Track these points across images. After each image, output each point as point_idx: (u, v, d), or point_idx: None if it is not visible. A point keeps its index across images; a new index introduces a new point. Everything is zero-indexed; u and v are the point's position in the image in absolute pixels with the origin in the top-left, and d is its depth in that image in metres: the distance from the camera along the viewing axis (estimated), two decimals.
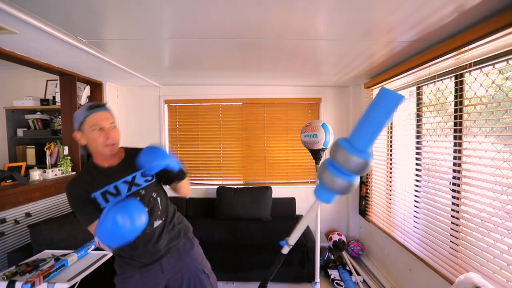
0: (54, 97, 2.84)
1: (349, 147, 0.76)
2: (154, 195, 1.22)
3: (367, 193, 2.93)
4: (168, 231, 1.24)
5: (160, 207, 1.23)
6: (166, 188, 1.32)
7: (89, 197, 1.11)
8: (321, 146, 1.80)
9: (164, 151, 1.11)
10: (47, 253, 1.69)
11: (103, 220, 0.95)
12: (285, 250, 1.15)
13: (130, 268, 1.21)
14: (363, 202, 3.03)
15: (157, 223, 1.20)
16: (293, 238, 1.08)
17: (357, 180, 0.83)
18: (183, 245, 1.29)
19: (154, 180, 1.23)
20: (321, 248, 2.65)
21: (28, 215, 2.09)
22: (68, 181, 1.13)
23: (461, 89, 1.67)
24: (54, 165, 2.64)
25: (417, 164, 2.17)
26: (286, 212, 3.18)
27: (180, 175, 1.20)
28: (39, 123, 2.98)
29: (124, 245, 1.02)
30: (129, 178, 1.16)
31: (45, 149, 2.54)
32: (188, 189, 1.33)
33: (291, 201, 3.22)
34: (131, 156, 1.19)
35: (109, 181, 1.14)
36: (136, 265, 1.20)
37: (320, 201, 0.91)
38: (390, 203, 2.50)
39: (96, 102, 1.18)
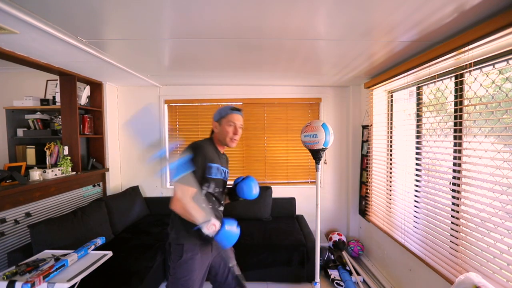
0: (54, 97, 2.85)
1: None
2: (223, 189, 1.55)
3: (367, 193, 2.93)
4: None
5: (223, 200, 1.54)
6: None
7: (204, 163, 1.35)
8: (321, 146, 1.80)
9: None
10: (47, 253, 1.68)
11: (229, 230, 1.27)
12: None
13: (196, 248, 1.39)
14: (363, 202, 3.03)
15: (221, 208, 1.52)
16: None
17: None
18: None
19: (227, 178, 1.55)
20: (321, 248, 2.65)
21: (28, 215, 2.09)
22: (199, 142, 1.40)
23: (461, 89, 1.67)
24: (54, 165, 2.64)
25: (417, 164, 2.17)
26: (286, 212, 3.18)
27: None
28: (39, 123, 2.98)
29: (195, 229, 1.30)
30: (226, 169, 1.52)
31: (45, 149, 2.54)
32: None
33: (291, 201, 3.22)
34: (225, 157, 1.60)
35: (220, 162, 1.46)
36: (196, 243, 1.38)
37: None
38: (390, 203, 2.50)
39: (236, 106, 1.52)
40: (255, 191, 1.56)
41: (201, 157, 1.34)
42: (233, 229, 1.28)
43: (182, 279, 1.34)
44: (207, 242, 1.41)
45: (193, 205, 1.24)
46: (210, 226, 1.22)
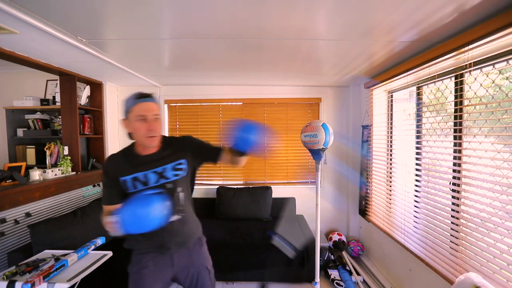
0: (54, 97, 2.84)
1: None
2: (179, 190, 1.23)
3: (367, 193, 2.93)
4: (182, 228, 1.25)
5: (181, 203, 1.24)
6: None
7: (117, 179, 1.16)
8: (321, 146, 1.80)
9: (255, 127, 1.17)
10: (47, 253, 1.68)
11: (128, 207, 0.98)
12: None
13: (144, 256, 1.24)
14: (363, 202, 3.03)
15: (173, 218, 1.20)
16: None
17: None
18: (193, 244, 1.33)
19: (184, 174, 1.24)
20: (321, 248, 2.65)
21: (28, 215, 2.09)
22: (109, 156, 1.23)
23: (461, 89, 1.67)
24: (54, 165, 2.64)
25: (417, 164, 2.17)
26: (286, 212, 3.18)
27: (249, 152, 1.20)
28: (39, 123, 2.98)
29: (140, 233, 1.09)
30: (159, 169, 1.19)
31: (45, 149, 2.54)
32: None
33: (291, 201, 3.22)
34: (168, 146, 1.24)
35: (142, 168, 1.17)
36: (148, 253, 1.23)
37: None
38: (390, 203, 2.50)
39: (144, 91, 1.17)
40: (254, 137, 1.15)
41: (106, 174, 1.17)
42: (134, 208, 0.98)
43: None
44: (161, 255, 1.23)
45: (106, 220, 1.05)
46: (108, 226, 1.02)
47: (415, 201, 2.13)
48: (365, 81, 2.91)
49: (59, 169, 2.44)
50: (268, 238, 2.55)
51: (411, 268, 2.12)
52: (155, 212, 0.99)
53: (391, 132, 2.53)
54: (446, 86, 1.87)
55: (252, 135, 1.15)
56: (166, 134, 3.35)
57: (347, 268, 2.61)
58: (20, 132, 2.91)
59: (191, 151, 1.28)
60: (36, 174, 2.24)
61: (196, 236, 1.35)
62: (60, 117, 2.74)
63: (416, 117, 2.23)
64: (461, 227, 1.62)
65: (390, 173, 2.52)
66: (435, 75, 1.84)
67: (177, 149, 1.26)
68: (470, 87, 1.59)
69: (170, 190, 1.20)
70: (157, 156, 1.21)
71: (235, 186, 3.21)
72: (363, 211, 3.01)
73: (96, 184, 2.94)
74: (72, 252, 1.62)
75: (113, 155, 1.23)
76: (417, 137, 2.16)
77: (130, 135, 1.20)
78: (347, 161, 3.34)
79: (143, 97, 1.13)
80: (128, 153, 1.22)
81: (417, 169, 2.14)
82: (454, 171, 1.72)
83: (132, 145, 1.24)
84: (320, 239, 2.13)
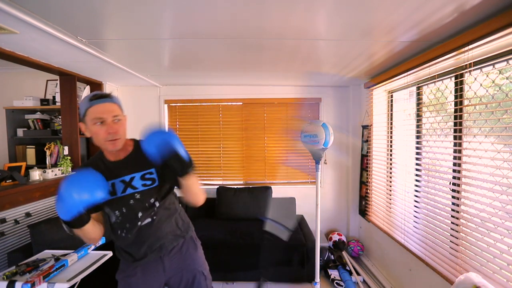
0: (54, 97, 2.84)
1: None
2: (152, 200, 1.14)
3: (367, 193, 2.93)
4: (163, 230, 1.17)
5: (156, 210, 1.15)
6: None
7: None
8: (321, 146, 1.80)
9: (168, 133, 0.99)
10: (47, 253, 1.68)
11: (61, 188, 0.91)
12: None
13: (130, 265, 1.18)
14: (363, 202, 3.03)
15: (147, 220, 1.13)
16: None
17: None
18: (186, 246, 1.26)
19: (155, 185, 1.13)
20: (321, 248, 2.65)
21: (28, 215, 2.09)
22: (81, 164, 1.12)
23: (461, 89, 1.67)
24: (54, 165, 2.64)
25: (417, 164, 2.17)
26: (286, 212, 3.18)
27: (187, 166, 1.01)
28: (39, 123, 2.98)
29: (118, 237, 1.12)
30: (127, 178, 1.10)
31: (45, 149, 2.54)
32: (199, 191, 1.14)
33: (291, 201, 3.22)
34: (139, 151, 1.09)
35: (110, 176, 1.09)
36: (131, 260, 1.18)
37: None
38: (390, 203, 2.50)
39: (100, 92, 1.07)
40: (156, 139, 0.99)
41: None
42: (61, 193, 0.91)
43: None
44: (149, 261, 1.17)
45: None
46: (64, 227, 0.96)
47: (415, 201, 2.13)
48: (365, 81, 2.91)
49: (59, 169, 2.44)
50: (268, 239, 2.55)
51: (411, 268, 2.12)
52: (82, 190, 0.91)
53: (391, 132, 2.53)
54: (446, 86, 1.87)
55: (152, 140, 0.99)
56: None
57: (347, 268, 2.61)
58: (20, 132, 2.91)
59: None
60: (36, 174, 2.24)
61: (184, 237, 1.25)
62: (60, 117, 2.74)
63: (416, 117, 2.23)
64: (461, 227, 1.62)
65: (390, 173, 2.52)
66: (435, 75, 1.84)
67: (140, 158, 1.10)
68: (470, 87, 1.59)
69: (139, 200, 1.11)
70: (126, 163, 1.12)
71: (235, 186, 3.21)
72: (363, 211, 3.01)
73: None
74: (72, 252, 1.62)
75: (81, 165, 1.17)
76: (417, 137, 2.16)
77: (91, 140, 1.10)
78: (347, 161, 3.34)
79: (99, 98, 1.02)
80: (96, 161, 1.13)
81: (417, 169, 2.14)
82: (454, 171, 1.72)
83: (101, 152, 1.14)
84: (320, 239, 2.13)
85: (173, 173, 1.02)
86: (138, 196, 1.11)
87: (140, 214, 1.12)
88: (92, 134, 1.04)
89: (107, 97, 1.04)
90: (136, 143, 1.19)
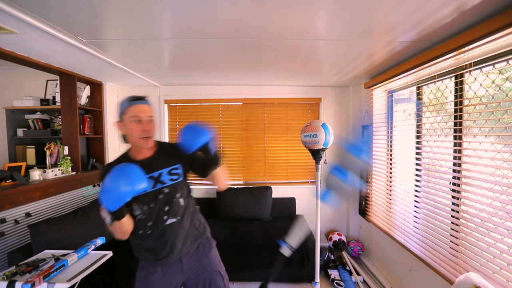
0: (54, 97, 2.84)
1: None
2: (178, 195, 1.22)
3: (367, 193, 2.93)
4: (185, 230, 1.24)
5: (180, 206, 1.23)
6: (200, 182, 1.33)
7: None
8: (321, 146, 1.80)
9: (204, 128, 1.16)
10: (47, 253, 1.68)
11: (108, 180, 0.97)
12: (286, 252, 1.19)
13: (152, 264, 1.23)
14: (363, 202, 3.03)
15: (171, 220, 1.20)
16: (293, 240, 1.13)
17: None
18: (202, 246, 1.32)
19: (180, 179, 1.24)
20: (321, 248, 2.65)
21: (28, 215, 2.09)
22: (106, 165, 1.23)
23: (461, 89, 1.67)
24: (54, 165, 2.64)
25: (417, 164, 2.17)
26: (286, 212, 3.18)
27: (215, 159, 1.21)
28: (39, 123, 2.98)
29: (139, 236, 1.17)
30: (155, 174, 1.18)
31: (45, 149, 2.54)
32: (225, 179, 1.30)
33: (291, 201, 3.22)
34: (163, 151, 1.25)
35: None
36: (152, 259, 1.22)
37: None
38: (390, 203, 2.50)
39: (138, 95, 1.19)
40: (194, 139, 1.14)
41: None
42: (108, 183, 0.96)
43: None
44: (169, 262, 1.21)
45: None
46: (103, 214, 1.01)
47: (415, 201, 2.13)
48: (365, 81, 2.91)
49: (59, 169, 2.44)
50: (268, 238, 2.55)
51: (411, 268, 2.12)
52: (127, 182, 0.96)
53: (391, 132, 2.53)
54: (446, 86, 1.87)
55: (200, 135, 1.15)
56: (166, 134, 3.36)
57: (347, 268, 2.61)
58: (20, 132, 2.91)
59: (185, 158, 1.25)
60: (36, 174, 2.24)
61: (201, 237, 1.33)
62: (60, 117, 2.74)
63: (416, 117, 2.23)
64: (461, 227, 1.62)
65: (390, 173, 2.52)
66: (435, 75, 1.84)
67: (171, 154, 1.25)
68: (470, 87, 1.59)
69: (168, 194, 1.19)
70: (152, 161, 1.21)
71: (235, 186, 3.21)
72: (363, 211, 3.01)
73: (96, 184, 2.94)
74: (72, 252, 1.62)
75: (109, 164, 1.20)
76: (417, 137, 2.16)
77: (124, 138, 1.20)
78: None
79: (138, 99, 1.15)
80: (124, 160, 1.19)
81: (417, 169, 2.14)
82: (454, 171, 1.72)
83: (127, 152, 1.24)
84: (320, 239, 2.13)
85: (206, 163, 1.21)
86: (166, 190, 1.20)
87: (166, 208, 1.19)
88: (128, 131, 1.15)
89: (144, 99, 1.18)
90: (159, 143, 1.29)
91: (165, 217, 1.19)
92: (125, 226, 1.09)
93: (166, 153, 1.24)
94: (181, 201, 1.24)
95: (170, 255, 1.20)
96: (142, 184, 1.01)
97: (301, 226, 1.15)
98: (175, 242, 1.20)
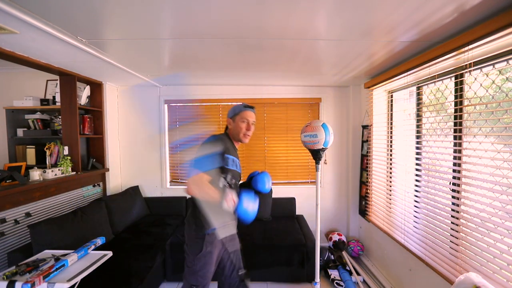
0: (54, 97, 2.85)
1: None
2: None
3: (367, 193, 2.93)
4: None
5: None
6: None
7: (221, 154, 1.42)
8: (321, 146, 1.80)
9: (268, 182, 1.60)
10: (47, 253, 1.68)
11: (248, 200, 1.33)
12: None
13: (215, 239, 1.45)
14: (363, 202, 3.03)
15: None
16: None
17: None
18: (236, 226, 1.61)
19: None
20: (321, 248, 2.65)
21: (28, 215, 2.09)
22: (218, 135, 1.51)
23: (461, 89, 1.67)
24: (54, 165, 2.64)
25: (417, 164, 2.17)
26: (286, 212, 3.18)
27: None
28: (39, 123, 2.98)
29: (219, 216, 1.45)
30: (239, 162, 1.59)
31: (45, 149, 2.54)
32: None
33: (291, 201, 3.22)
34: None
35: (235, 155, 1.56)
36: (221, 235, 1.46)
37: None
38: (390, 203, 2.50)
39: (249, 104, 1.65)
40: (268, 185, 1.60)
41: (220, 148, 1.43)
42: (250, 203, 1.33)
43: (200, 272, 1.43)
44: (230, 234, 1.52)
45: (209, 186, 1.31)
46: (229, 200, 1.28)
47: (415, 201, 2.13)
48: (365, 81, 2.91)
49: (59, 169, 2.44)
50: (268, 238, 2.56)
51: (411, 268, 2.12)
52: (255, 209, 1.34)
53: (391, 132, 2.53)
54: (446, 86, 1.87)
55: (265, 184, 1.58)
56: (166, 134, 3.35)
57: (347, 268, 2.61)
58: (20, 132, 2.91)
59: None
60: (36, 174, 2.24)
61: (235, 219, 1.61)
62: (60, 117, 2.74)
63: (416, 117, 2.23)
64: (461, 227, 1.63)
65: (390, 173, 2.52)
66: (435, 75, 1.84)
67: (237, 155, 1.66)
68: (470, 87, 1.60)
69: (239, 180, 1.59)
70: (237, 153, 1.61)
71: None
72: (363, 211, 3.01)
73: (96, 184, 2.95)
74: (72, 252, 1.62)
75: (223, 136, 1.53)
76: (417, 137, 2.16)
77: (227, 129, 1.62)
78: (347, 161, 3.35)
79: (250, 107, 1.60)
80: (228, 141, 1.55)
81: (417, 169, 2.14)
82: (454, 171, 1.72)
83: (228, 137, 1.59)
84: (320, 239, 2.13)
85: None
86: (240, 175, 1.60)
87: (239, 189, 1.55)
88: (236, 127, 1.56)
89: (253, 108, 1.63)
90: None
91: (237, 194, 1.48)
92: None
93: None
94: None
95: (233, 230, 1.54)
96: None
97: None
98: (233, 221, 1.54)
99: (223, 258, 1.57)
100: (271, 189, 1.62)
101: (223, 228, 1.47)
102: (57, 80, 2.62)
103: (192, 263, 1.43)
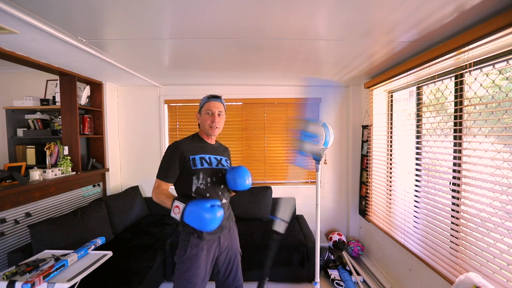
0: (54, 97, 2.84)
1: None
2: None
3: (367, 193, 2.93)
4: (227, 210, 1.50)
5: (227, 190, 1.51)
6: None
7: (181, 159, 1.38)
8: (321, 146, 1.80)
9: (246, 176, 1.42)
10: (47, 253, 1.68)
11: (193, 207, 1.17)
12: (279, 227, 1.44)
13: (200, 241, 1.38)
14: (363, 202, 3.03)
15: (224, 200, 1.47)
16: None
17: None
18: (233, 229, 1.58)
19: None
20: (321, 248, 2.65)
21: (28, 215, 2.09)
22: (177, 140, 1.45)
23: (461, 89, 1.67)
24: (54, 165, 2.64)
25: (417, 164, 2.17)
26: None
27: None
28: (39, 123, 2.98)
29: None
30: (218, 157, 1.51)
31: (45, 149, 2.54)
32: None
33: (291, 201, 3.21)
34: (221, 146, 1.61)
35: (207, 152, 1.47)
36: (202, 235, 1.38)
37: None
38: (390, 203, 2.50)
39: (216, 94, 1.50)
40: (240, 180, 1.39)
41: (178, 152, 1.39)
42: (199, 209, 1.15)
43: (186, 275, 1.35)
44: (213, 238, 1.42)
45: (163, 193, 1.32)
46: (174, 209, 1.21)
47: (415, 201, 2.13)
48: (365, 81, 2.91)
49: (59, 169, 2.44)
50: (268, 238, 2.56)
51: (411, 268, 2.12)
52: (214, 218, 1.16)
53: (391, 132, 2.53)
54: (446, 86, 1.87)
55: (237, 180, 1.39)
56: (166, 134, 3.35)
57: (347, 268, 2.61)
58: (20, 132, 2.91)
59: (229, 160, 1.61)
60: (36, 174, 2.23)
61: (233, 221, 1.59)
62: (60, 117, 2.74)
63: (416, 117, 2.23)
64: (461, 227, 1.63)
65: (390, 173, 2.52)
66: (435, 75, 1.84)
67: (225, 150, 1.63)
68: (470, 87, 1.60)
69: (224, 176, 1.46)
70: (216, 148, 1.54)
71: None
72: (363, 211, 3.01)
73: (96, 184, 2.95)
74: (72, 252, 1.62)
75: (184, 139, 1.47)
76: (417, 137, 2.16)
77: (199, 126, 1.52)
78: (347, 161, 3.35)
79: (214, 97, 1.46)
80: (194, 140, 1.50)
81: (417, 169, 2.14)
82: (454, 171, 1.72)
83: (197, 134, 1.53)
84: (320, 239, 2.13)
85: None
86: (224, 172, 1.48)
87: (222, 187, 1.46)
88: (202, 121, 1.46)
89: (219, 97, 1.48)
90: (218, 142, 1.62)
91: (220, 193, 1.44)
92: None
93: (222, 148, 1.61)
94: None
95: (217, 232, 1.42)
96: (216, 224, 1.18)
97: (287, 202, 1.33)
98: (223, 220, 1.36)
99: (218, 262, 1.49)
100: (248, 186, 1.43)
101: (210, 232, 1.38)
102: (57, 80, 2.62)
103: (178, 265, 1.38)
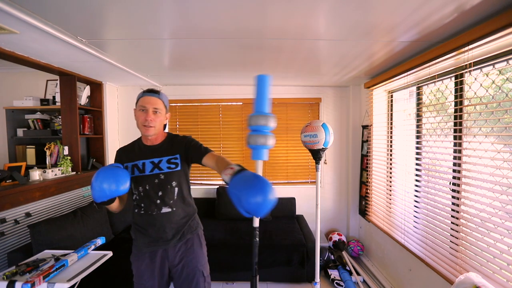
0: (54, 97, 2.84)
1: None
2: (174, 184, 1.29)
3: (367, 193, 2.93)
4: (176, 222, 1.29)
5: (175, 197, 1.29)
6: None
7: (123, 164, 1.27)
8: (321, 146, 1.80)
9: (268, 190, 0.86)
10: (47, 253, 1.68)
11: (93, 179, 1.07)
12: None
13: (142, 248, 1.30)
14: (363, 202, 3.03)
15: (165, 209, 1.27)
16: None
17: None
18: (191, 242, 1.35)
19: (178, 168, 1.30)
20: (321, 248, 2.65)
21: (28, 215, 2.09)
22: (119, 149, 1.35)
23: (461, 89, 1.67)
24: (54, 165, 2.64)
25: (417, 164, 2.17)
26: (286, 212, 3.18)
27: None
28: (39, 123, 2.98)
29: (135, 214, 1.30)
30: (155, 160, 1.29)
31: (45, 149, 2.54)
32: (224, 161, 1.23)
33: (291, 201, 3.22)
34: (169, 141, 1.34)
35: (142, 157, 1.29)
36: (142, 242, 1.29)
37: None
38: (390, 203, 2.50)
39: (152, 88, 1.32)
40: (249, 200, 0.88)
41: (115, 160, 1.32)
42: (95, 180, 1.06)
43: (135, 283, 1.33)
44: (157, 249, 1.29)
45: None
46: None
47: (415, 201, 2.13)
48: (365, 81, 2.91)
49: (59, 169, 2.44)
50: (268, 238, 2.55)
51: (411, 268, 2.12)
52: (113, 184, 1.07)
53: (391, 132, 2.53)
54: (446, 86, 1.87)
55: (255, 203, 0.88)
56: None
57: (347, 268, 2.61)
58: (20, 132, 2.91)
59: (185, 149, 1.32)
60: (36, 174, 2.23)
61: (192, 233, 1.35)
62: (60, 117, 2.74)
63: (416, 117, 2.23)
64: (461, 227, 1.62)
65: (390, 173, 2.52)
66: (435, 75, 1.84)
67: (175, 145, 1.33)
68: (470, 87, 1.59)
69: (163, 181, 1.27)
70: (157, 148, 1.32)
71: None
72: (363, 211, 3.01)
73: None
74: (72, 252, 1.62)
75: (125, 146, 1.36)
76: (417, 137, 2.16)
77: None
78: (347, 161, 3.35)
79: (150, 91, 1.27)
80: (134, 143, 1.36)
81: (417, 169, 2.14)
82: (454, 171, 1.72)
83: (140, 138, 1.36)
84: (320, 239, 2.13)
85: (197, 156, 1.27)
86: (162, 176, 1.27)
87: (160, 193, 1.26)
88: (136, 118, 1.27)
89: (155, 92, 1.27)
90: (169, 134, 1.38)
91: (158, 201, 1.26)
92: (112, 208, 1.21)
93: (171, 144, 1.33)
94: (176, 190, 1.29)
95: (159, 241, 1.28)
96: (125, 186, 1.11)
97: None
98: (165, 230, 1.27)
99: (173, 276, 1.34)
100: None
101: (148, 242, 1.28)
102: (57, 80, 2.62)
103: None
